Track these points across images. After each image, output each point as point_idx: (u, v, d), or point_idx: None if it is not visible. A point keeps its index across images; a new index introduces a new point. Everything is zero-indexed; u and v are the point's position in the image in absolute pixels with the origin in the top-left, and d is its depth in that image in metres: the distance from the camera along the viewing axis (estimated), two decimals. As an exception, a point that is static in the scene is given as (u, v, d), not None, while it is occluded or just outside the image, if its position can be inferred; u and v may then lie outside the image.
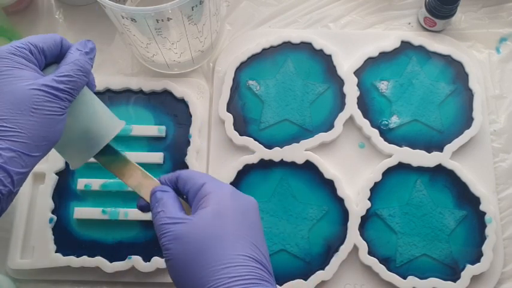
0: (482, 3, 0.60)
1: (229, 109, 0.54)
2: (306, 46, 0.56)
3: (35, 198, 0.52)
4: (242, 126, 0.54)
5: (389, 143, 0.53)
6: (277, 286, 0.48)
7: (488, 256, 0.49)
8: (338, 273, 0.49)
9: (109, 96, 0.55)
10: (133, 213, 0.50)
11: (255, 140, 0.53)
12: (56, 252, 0.49)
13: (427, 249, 0.49)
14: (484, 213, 0.50)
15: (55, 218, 0.51)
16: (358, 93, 0.54)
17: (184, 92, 0.55)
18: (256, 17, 0.60)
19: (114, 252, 0.50)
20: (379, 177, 0.52)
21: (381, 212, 0.51)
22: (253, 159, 0.52)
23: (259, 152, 0.53)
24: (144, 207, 0.40)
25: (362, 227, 0.50)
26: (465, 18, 0.59)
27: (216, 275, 0.32)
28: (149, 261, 0.49)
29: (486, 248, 0.49)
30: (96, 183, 0.51)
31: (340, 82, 0.55)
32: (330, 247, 0.50)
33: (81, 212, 0.51)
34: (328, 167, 0.52)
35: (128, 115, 0.54)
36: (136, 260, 0.49)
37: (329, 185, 0.52)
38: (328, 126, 0.54)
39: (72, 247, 0.50)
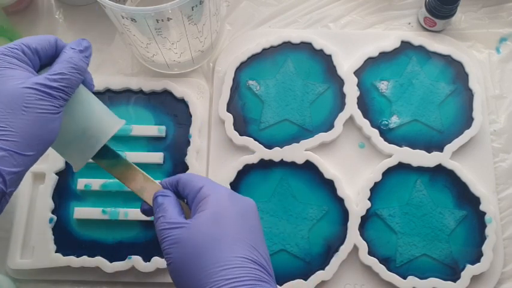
0: (482, 3, 0.60)
1: (229, 109, 0.54)
2: (306, 46, 0.56)
3: (35, 198, 0.52)
4: (242, 126, 0.54)
5: (390, 143, 0.53)
6: (278, 286, 0.48)
7: (488, 256, 0.49)
8: (338, 273, 0.49)
9: (109, 96, 0.55)
10: (134, 213, 0.50)
11: (255, 140, 0.53)
12: (56, 252, 0.49)
13: (427, 249, 0.49)
14: (484, 213, 0.50)
15: (55, 218, 0.51)
16: (358, 93, 0.54)
17: (184, 92, 0.55)
18: (256, 17, 0.60)
19: (114, 252, 0.50)
20: (379, 177, 0.52)
21: (380, 212, 0.51)
22: (253, 159, 0.52)
23: (259, 152, 0.53)
24: (148, 211, 0.40)
25: (362, 227, 0.50)
26: (465, 18, 0.59)
27: (213, 277, 0.32)
28: (149, 261, 0.49)
29: (486, 248, 0.49)
30: (96, 183, 0.51)
31: (340, 82, 0.55)
32: (330, 247, 0.50)
33: (81, 212, 0.51)
34: (328, 167, 0.52)
35: (128, 115, 0.54)
36: (136, 260, 0.49)
37: (329, 185, 0.52)
38: (328, 126, 0.54)
39: (72, 247, 0.50)
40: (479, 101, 0.54)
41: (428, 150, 0.52)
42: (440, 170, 0.52)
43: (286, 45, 0.57)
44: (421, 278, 0.49)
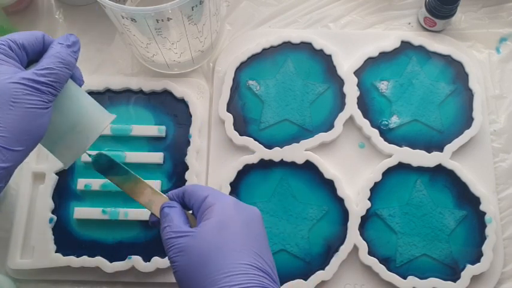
0: (482, 3, 0.60)
1: (229, 109, 0.54)
2: (306, 46, 0.56)
3: (35, 198, 0.52)
4: (242, 126, 0.54)
5: (390, 143, 0.53)
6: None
7: (488, 256, 0.49)
8: (338, 273, 0.49)
9: (109, 96, 0.55)
10: (134, 213, 0.50)
11: (255, 140, 0.53)
12: (56, 252, 0.49)
13: (427, 249, 0.49)
14: (484, 213, 0.50)
15: (55, 218, 0.51)
16: (358, 93, 0.54)
17: (184, 92, 0.55)
18: (256, 17, 0.60)
19: (114, 252, 0.50)
20: (379, 177, 0.52)
21: (381, 212, 0.51)
22: (253, 159, 0.52)
23: (259, 152, 0.53)
24: (156, 223, 0.41)
25: (362, 227, 0.50)
26: (465, 18, 0.59)
27: (218, 283, 0.32)
28: (149, 261, 0.49)
29: (486, 248, 0.49)
30: (96, 183, 0.51)
31: (340, 82, 0.55)
32: (330, 247, 0.50)
33: (81, 212, 0.51)
34: (328, 167, 0.52)
35: (128, 115, 0.54)
36: (136, 260, 0.49)
37: (329, 185, 0.52)
38: (328, 126, 0.54)
39: (72, 247, 0.50)
40: (479, 101, 0.54)
41: (428, 150, 0.52)
42: (440, 170, 0.52)
43: (286, 45, 0.57)
44: (421, 278, 0.49)
